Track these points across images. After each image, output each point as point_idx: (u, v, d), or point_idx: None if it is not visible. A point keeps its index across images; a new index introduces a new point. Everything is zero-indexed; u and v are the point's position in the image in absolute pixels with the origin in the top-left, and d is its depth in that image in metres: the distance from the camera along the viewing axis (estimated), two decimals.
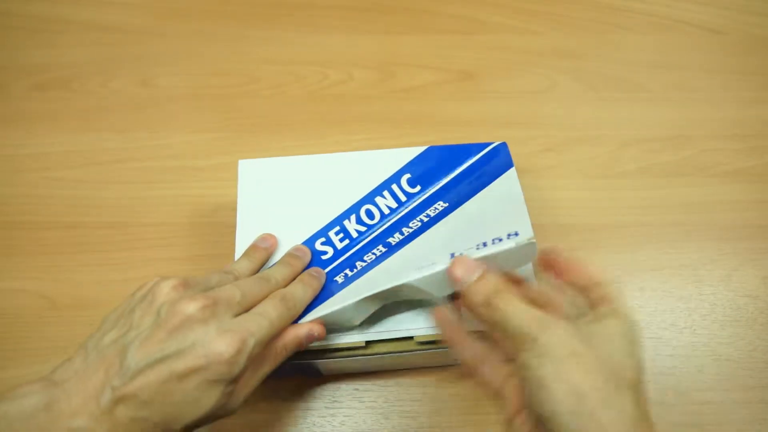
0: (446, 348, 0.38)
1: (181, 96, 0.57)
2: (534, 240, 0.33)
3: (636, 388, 0.26)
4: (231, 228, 0.42)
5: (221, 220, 0.49)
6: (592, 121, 0.56)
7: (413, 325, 0.38)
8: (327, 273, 0.38)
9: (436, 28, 0.63)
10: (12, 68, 0.58)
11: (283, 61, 0.59)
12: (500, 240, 0.34)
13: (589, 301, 0.30)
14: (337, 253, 0.39)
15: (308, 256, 0.38)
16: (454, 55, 0.61)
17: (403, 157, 0.42)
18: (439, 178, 0.41)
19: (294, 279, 0.36)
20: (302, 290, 0.35)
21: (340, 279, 0.37)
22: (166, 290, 0.30)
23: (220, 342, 0.28)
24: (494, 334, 0.32)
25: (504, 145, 0.42)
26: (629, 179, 0.53)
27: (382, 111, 0.57)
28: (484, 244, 0.34)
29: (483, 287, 0.29)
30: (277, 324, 0.32)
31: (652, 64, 0.58)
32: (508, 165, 0.41)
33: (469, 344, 0.33)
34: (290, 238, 0.39)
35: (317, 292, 0.36)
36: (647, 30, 0.60)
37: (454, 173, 0.41)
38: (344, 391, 0.44)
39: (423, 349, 0.38)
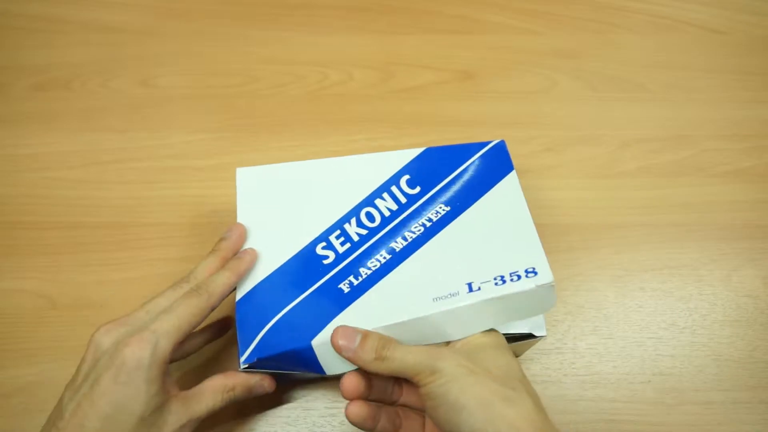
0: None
1: (181, 96, 0.57)
2: (553, 284, 0.34)
3: (523, 381, 0.32)
4: None
5: (221, 220, 0.49)
6: (592, 121, 0.56)
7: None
8: (330, 278, 0.37)
9: (436, 28, 0.63)
10: (12, 68, 0.58)
11: (283, 61, 0.59)
12: (518, 277, 0.34)
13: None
14: (339, 258, 0.38)
15: (238, 234, 0.38)
16: (454, 55, 0.61)
17: (401, 159, 0.42)
18: (439, 179, 0.41)
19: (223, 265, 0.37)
20: (223, 277, 0.36)
21: (345, 288, 0.37)
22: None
23: (124, 349, 0.31)
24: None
25: (502, 143, 0.42)
26: (629, 179, 0.53)
27: (382, 111, 0.57)
28: (503, 279, 0.34)
29: (369, 345, 0.32)
30: (187, 315, 0.33)
31: (652, 64, 0.58)
32: (508, 166, 0.41)
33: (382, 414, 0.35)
34: (291, 243, 0.39)
35: (243, 273, 0.37)
36: (647, 30, 0.60)
37: (453, 173, 0.41)
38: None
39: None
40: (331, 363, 0.36)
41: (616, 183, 0.52)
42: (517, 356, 0.44)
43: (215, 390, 0.35)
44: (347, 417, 0.34)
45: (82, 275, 0.47)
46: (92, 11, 0.61)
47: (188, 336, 0.35)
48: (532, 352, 0.45)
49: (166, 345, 0.32)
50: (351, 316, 0.35)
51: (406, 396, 0.37)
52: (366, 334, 0.33)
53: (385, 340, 0.33)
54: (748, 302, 0.47)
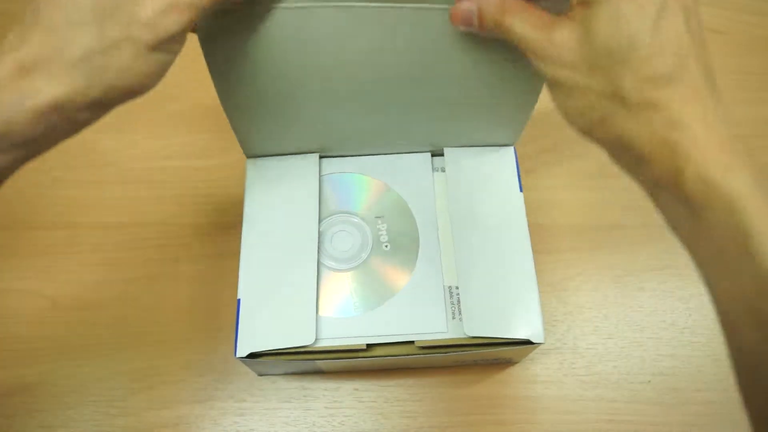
0: (447, 353, 0.38)
1: (181, 96, 0.57)
2: None
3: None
4: (231, 227, 0.42)
5: (221, 220, 0.49)
6: None
7: (415, 329, 0.38)
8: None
9: None
10: None
11: None
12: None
13: None
14: None
15: None
16: None
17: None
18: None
19: None
20: None
21: None
22: None
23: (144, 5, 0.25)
24: None
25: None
26: (629, 179, 0.53)
27: None
28: None
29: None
30: None
31: None
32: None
33: None
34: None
35: None
36: None
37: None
38: (344, 391, 0.44)
39: (424, 354, 0.38)
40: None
41: (616, 183, 0.52)
42: (515, 362, 0.44)
43: None
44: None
45: (82, 275, 0.47)
46: None
47: None
48: (533, 352, 0.45)
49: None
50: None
51: None
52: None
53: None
54: None
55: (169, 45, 0.27)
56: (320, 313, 0.38)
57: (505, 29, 0.27)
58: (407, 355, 0.37)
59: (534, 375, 0.44)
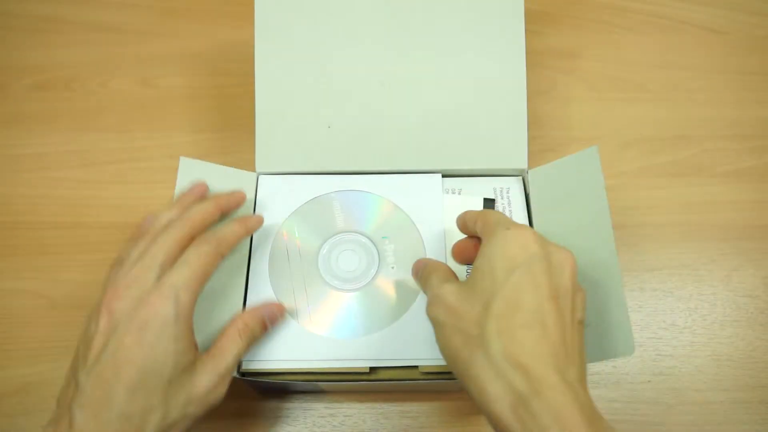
0: (450, 380, 0.37)
1: (181, 96, 0.57)
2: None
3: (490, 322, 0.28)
4: None
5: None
6: (592, 121, 0.56)
7: (419, 354, 0.37)
8: None
9: None
10: (12, 68, 0.58)
11: None
12: None
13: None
14: None
15: (240, 195, 0.38)
16: None
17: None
18: None
19: (216, 210, 0.35)
20: (232, 226, 0.34)
21: None
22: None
23: (145, 307, 0.29)
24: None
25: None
26: (629, 179, 0.53)
27: None
28: None
29: (424, 270, 0.35)
30: (201, 264, 0.31)
31: (652, 64, 0.58)
32: None
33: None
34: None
35: (251, 229, 0.37)
36: (647, 30, 0.60)
37: None
38: (344, 391, 0.44)
39: (427, 379, 0.37)
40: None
41: (616, 183, 0.52)
42: None
43: (233, 338, 0.33)
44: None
45: (82, 275, 0.47)
46: (92, 11, 0.61)
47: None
48: None
49: (187, 298, 0.30)
50: None
51: None
52: (426, 264, 0.35)
53: (433, 268, 0.34)
54: (748, 302, 0.47)
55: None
56: (323, 333, 0.37)
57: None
58: (411, 380, 0.37)
59: None
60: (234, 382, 0.44)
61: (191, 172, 0.40)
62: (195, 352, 0.31)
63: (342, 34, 0.43)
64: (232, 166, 0.42)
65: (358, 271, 0.39)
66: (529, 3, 0.43)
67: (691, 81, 0.57)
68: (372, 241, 0.40)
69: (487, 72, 0.43)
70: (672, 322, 0.46)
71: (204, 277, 0.31)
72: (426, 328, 0.35)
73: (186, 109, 0.56)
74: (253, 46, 0.43)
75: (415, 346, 0.37)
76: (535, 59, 0.60)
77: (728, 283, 0.48)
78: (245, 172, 0.42)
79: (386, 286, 0.39)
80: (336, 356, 0.36)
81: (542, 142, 0.54)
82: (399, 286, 0.39)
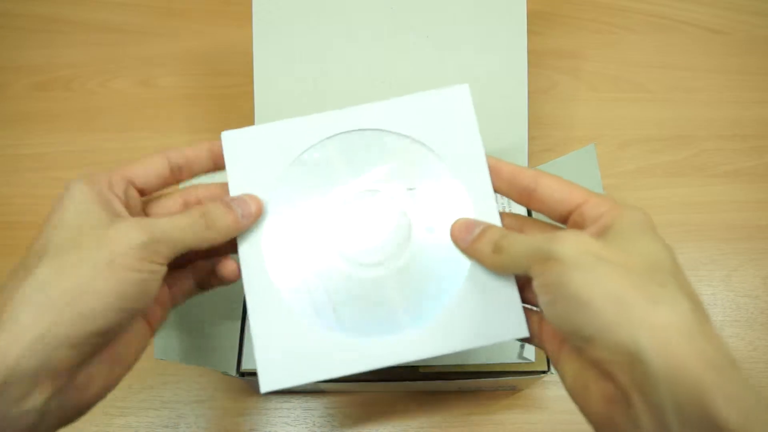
0: (450, 380, 0.37)
1: (181, 96, 0.57)
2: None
3: (676, 275, 0.23)
4: None
5: None
6: (592, 121, 0.56)
7: (487, 339, 0.29)
8: None
9: None
10: (12, 68, 0.58)
11: None
12: None
13: (584, 222, 0.26)
14: None
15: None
16: None
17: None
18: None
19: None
20: (228, 216, 0.28)
21: None
22: None
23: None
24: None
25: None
26: (629, 179, 0.53)
27: None
28: None
29: (488, 237, 0.27)
30: (188, 235, 0.27)
31: (652, 64, 0.58)
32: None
33: None
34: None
35: (246, 219, 0.28)
36: (647, 30, 0.60)
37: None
38: (344, 391, 0.44)
39: (427, 380, 0.37)
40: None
41: (616, 183, 0.52)
42: (519, 389, 0.44)
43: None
44: None
45: None
46: (92, 11, 0.61)
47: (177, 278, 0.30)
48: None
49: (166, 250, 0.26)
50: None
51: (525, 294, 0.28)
52: (487, 227, 0.28)
53: (505, 232, 0.27)
54: (748, 302, 0.47)
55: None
56: (355, 335, 0.28)
57: (505, 252, 0.27)
58: (411, 380, 0.37)
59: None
60: (234, 382, 0.44)
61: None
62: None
63: (341, 33, 0.43)
64: None
65: (384, 245, 0.29)
66: (530, 3, 0.43)
67: (691, 81, 0.57)
68: (396, 199, 0.30)
69: (488, 72, 0.43)
70: None
71: (188, 241, 0.27)
72: (491, 303, 0.28)
73: (186, 109, 0.56)
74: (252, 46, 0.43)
75: (478, 329, 0.28)
76: (535, 59, 0.60)
77: (728, 283, 0.48)
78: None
79: (426, 257, 0.29)
80: (381, 359, 0.28)
81: (542, 142, 0.54)
82: (443, 253, 0.29)
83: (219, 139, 0.31)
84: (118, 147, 0.54)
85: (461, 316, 0.28)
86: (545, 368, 0.36)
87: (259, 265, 0.29)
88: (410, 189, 0.30)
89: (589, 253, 0.23)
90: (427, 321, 0.28)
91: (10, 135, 0.55)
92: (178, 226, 0.26)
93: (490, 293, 0.28)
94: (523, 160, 0.44)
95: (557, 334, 0.26)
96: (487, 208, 0.29)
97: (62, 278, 0.24)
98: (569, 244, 0.23)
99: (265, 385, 0.27)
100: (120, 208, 0.27)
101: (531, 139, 0.51)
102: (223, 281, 0.30)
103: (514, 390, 0.44)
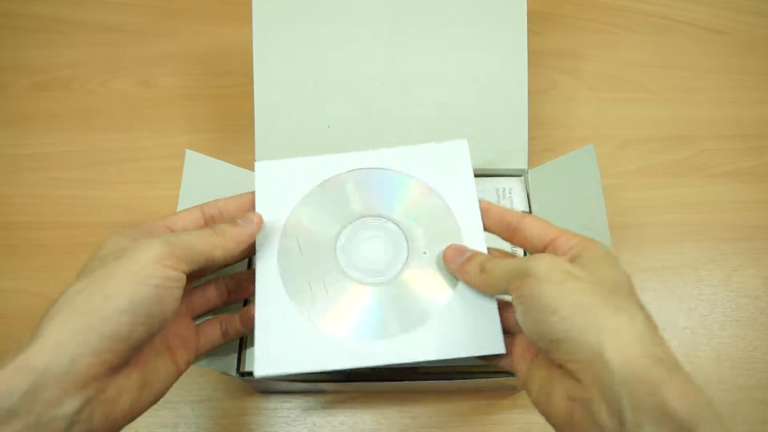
0: (450, 380, 0.37)
1: (181, 96, 0.57)
2: None
3: (632, 295, 0.27)
4: None
5: None
6: (592, 121, 0.56)
7: (467, 350, 0.32)
8: None
9: None
10: (12, 68, 0.58)
11: None
12: None
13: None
14: None
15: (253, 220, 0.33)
16: None
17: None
18: None
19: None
20: (234, 227, 0.31)
21: None
22: None
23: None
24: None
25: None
26: (629, 179, 0.53)
27: None
28: None
29: (475, 261, 0.31)
30: (201, 242, 0.29)
31: (652, 64, 0.58)
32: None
33: None
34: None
35: (249, 228, 0.32)
36: (647, 30, 0.60)
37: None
38: (344, 391, 0.44)
39: (427, 380, 0.37)
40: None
41: (616, 183, 0.52)
42: (519, 389, 0.44)
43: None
44: None
45: None
46: (92, 11, 0.61)
47: (205, 329, 0.34)
48: None
49: (185, 262, 0.28)
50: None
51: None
52: (476, 252, 0.32)
53: (490, 257, 0.32)
54: (748, 302, 0.47)
55: None
56: (352, 333, 0.32)
57: (490, 272, 0.31)
58: (411, 380, 0.37)
59: None
60: (234, 382, 0.44)
61: (197, 165, 0.39)
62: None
63: (341, 33, 0.43)
64: (239, 165, 0.42)
65: (385, 260, 0.34)
66: (530, 3, 0.43)
67: (691, 81, 0.57)
68: (398, 225, 0.35)
69: (488, 72, 0.43)
70: (672, 322, 0.46)
71: (202, 253, 0.29)
72: (473, 320, 0.32)
73: (186, 109, 0.56)
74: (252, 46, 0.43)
75: (459, 342, 0.32)
76: (535, 59, 0.60)
77: (728, 283, 0.48)
78: (248, 171, 0.42)
79: (420, 275, 0.33)
80: (369, 359, 0.31)
81: (542, 142, 0.54)
82: (435, 273, 0.33)
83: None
84: (118, 147, 0.54)
85: (446, 330, 0.32)
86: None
87: (271, 264, 0.33)
88: (411, 220, 0.35)
89: (560, 270, 0.27)
90: (415, 331, 0.32)
91: (10, 135, 0.55)
92: (191, 234, 0.29)
93: (474, 312, 0.32)
94: (523, 160, 0.44)
95: (528, 350, 0.30)
96: (477, 240, 0.34)
97: (90, 291, 0.26)
98: (543, 262, 0.27)
99: (260, 369, 0.30)
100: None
101: (531, 139, 0.51)
102: (243, 329, 0.35)
103: (514, 390, 0.44)
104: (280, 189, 0.35)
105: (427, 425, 0.43)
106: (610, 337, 0.24)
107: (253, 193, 0.35)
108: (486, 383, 0.40)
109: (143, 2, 0.61)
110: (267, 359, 0.31)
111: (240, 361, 0.37)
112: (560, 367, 0.26)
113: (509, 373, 0.36)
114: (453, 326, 0.32)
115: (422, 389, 0.43)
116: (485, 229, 0.34)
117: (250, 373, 0.36)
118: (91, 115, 0.56)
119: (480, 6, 0.43)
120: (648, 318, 0.26)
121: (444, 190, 0.35)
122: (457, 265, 0.32)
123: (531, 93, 0.44)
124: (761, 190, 0.52)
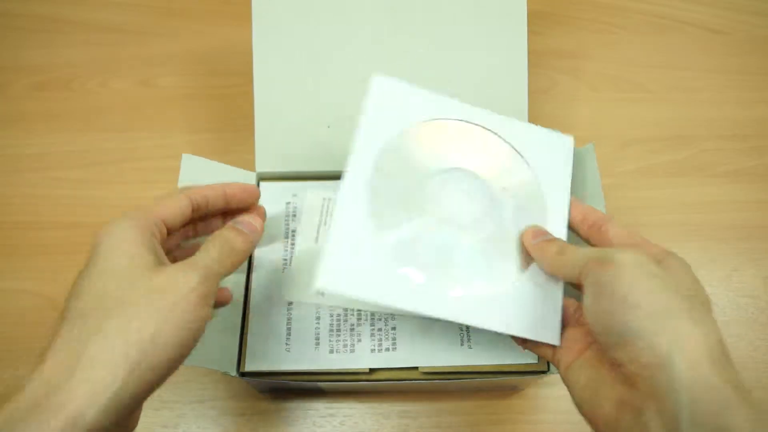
0: (450, 380, 0.37)
1: (181, 96, 0.57)
2: None
3: (708, 306, 0.26)
4: None
5: None
6: (592, 121, 0.56)
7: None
8: None
9: None
10: (12, 68, 0.58)
11: None
12: None
13: None
14: None
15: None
16: None
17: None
18: None
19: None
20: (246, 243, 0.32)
21: None
22: None
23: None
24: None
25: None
26: (629, 179, 0.53)
27: None
28: None
29: (556, 243, 0.31)
30: (225, 268, 0.29)
31: (652, 64, 0.58)
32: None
33: None
34: None
35: (253, 236, 0.32)
36: (647, 30, 0.60)
37: None
38: (344, 391, 0.44)
39: (427, 380, 0.37)
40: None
41: (616, 183, 0.52)
42: (519, 389, 0.44)
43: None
44: None
45: None
46: (92, 11, 0.61)
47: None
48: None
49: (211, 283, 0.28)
50: None
51: None
52: (556, 238, 0.32)
53: (569, 245, 0.31)
54: (748, 302, 0.47)
55: None
56: (416, 276, 0.31)
57: (568, 253, 0.30)
58: (410, 380, 0.37)
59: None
60: (234, 382, 0.44)
61: (193, 169, 0.39)
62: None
63: (341, 33, 0.43)
64: (239, 165, 0.42)
65: (474, 216, 0.33)
66: (530, 3, 0.43)
67: (691, 81, 0.57)
68: (491, 188, 0.34)
69: (488, 72, 0.43)
70: None
71: (222, 268, 0.29)
72: (539, 305, 0.32)
73: (186, 109, 0.56)
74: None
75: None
76: (535, 59, 0.60)
77: (728, 283, 0.48)
78: (247, 171, 0.42)
79: (502, 244, 0.33)
80: (433, 309, 0.30)
81: None
82: (513, 247, 0.33)
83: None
84: (118, 147, 0.54)
85: (511, 306, 0.31)
86: (545, 368, 0.36)
87: (360, 184, 0.31)
88: (504, 189, 0.34)
89: (646, 265, 0.26)
90: (483, 296, 0.31)
91: (10, 135, 0.55)
92: (217, 260, 0.28)
93: (541, 297, 0.32)
94: None
95: (576, 345, 0.29)
96: (560, 228, 0.34)
97: (131, 332, 0.24)
98: (630, 253, 0.26)
99: (324, 280, 0.29)
100: (161, 250, 0.28)
101: None
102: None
103: (514, 390, 0.44)
104: (391, 110, 0.34)
105: (427, 425, 0.43)
106: (684, 347, 0.23)
107: (237, 184, 0.34)
108: (486, 383, 0.40)
109: (143, 2, 0.61)
110: (334, 274, 0.29)
111: (240, 361, 0.37)
112: (617, 367, 0.25)
113: (509, 374, 0.36)
114: (519, 304, 0.31)
115: (422, 389, 0.43)
116: (571, 222, 0.34)
117: (250, 373, 0.36)
118: (91, 115, 0.56)
119: (480, 6, 0.42)
120: (722, 338, 0.24)
121: (542, 172, 0.35)
122: (537, 242, 0.32)
123: (531, 93, 0.44)
124: (761, 190, 0.52)
